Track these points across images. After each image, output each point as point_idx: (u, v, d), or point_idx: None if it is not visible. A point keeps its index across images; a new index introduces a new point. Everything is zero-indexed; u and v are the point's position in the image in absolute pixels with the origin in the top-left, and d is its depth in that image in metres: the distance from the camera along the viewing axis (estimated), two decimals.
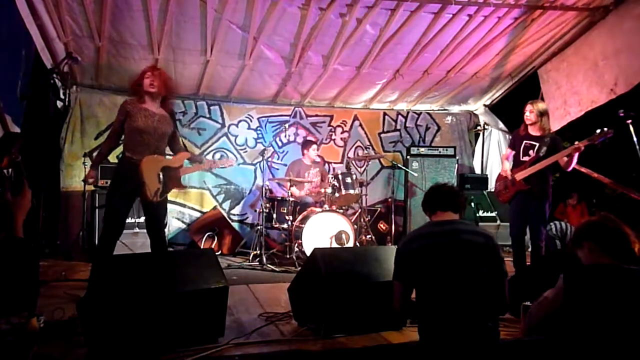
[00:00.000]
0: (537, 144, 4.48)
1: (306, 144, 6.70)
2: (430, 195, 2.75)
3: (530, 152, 4.52)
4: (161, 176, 3.99)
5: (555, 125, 6.34)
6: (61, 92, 6.01)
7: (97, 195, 5.74)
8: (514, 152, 4.76)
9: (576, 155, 4.26)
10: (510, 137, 5.09)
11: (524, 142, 4.57)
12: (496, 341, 2.51)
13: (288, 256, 5.88)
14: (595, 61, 5.81)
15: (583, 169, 4.92)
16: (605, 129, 4.12)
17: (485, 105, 7.98)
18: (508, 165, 4.75)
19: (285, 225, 5.98)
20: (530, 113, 4.52)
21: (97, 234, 5.59)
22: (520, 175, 4.49)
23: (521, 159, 4.58)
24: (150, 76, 3.97)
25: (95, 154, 4.27)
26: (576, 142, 4.27)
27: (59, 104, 6.11)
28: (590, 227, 2.37)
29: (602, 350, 2.11)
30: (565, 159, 4.33)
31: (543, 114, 4.51)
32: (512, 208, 4.65)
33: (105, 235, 4.02)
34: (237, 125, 7.35)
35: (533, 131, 4.55)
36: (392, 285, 2.68)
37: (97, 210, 5.69)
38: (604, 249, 2.27)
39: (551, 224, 7.09)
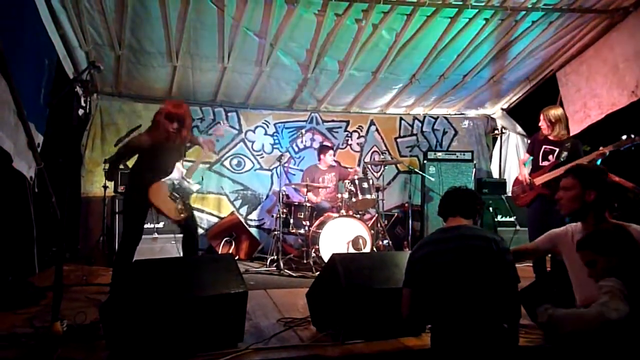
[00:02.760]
0: (557, 149, 4.50)
1: (322, 149, 6.72)
2: (442, 201, 2.77)
3: (550, 157, 4.54)
4: (175, 194, 4.05)
5: (575, 128, 6.25)
6: (82, 99, 6.12)
7: (117, 200, 5.82)
8: (531, 157, 4.77)
9: (599, 160, 4.21)
10: (529, 141, 5.12)
11: (544, 146, 4.59)
12: (508, 347, 2.47)
13: (305, 261, 5.89)
14: (616, 63, 5.73)
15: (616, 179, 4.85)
16: (633, 135, 4.08)
17: (502, 109, 7.91)
18: (526, 169, 4.76)
19: (302, 231, 5.99)
20: (543, 121, 4.58)
21: (117, 239, 5.66)
22: (540, 180, 4.50)
23: (540, 163, 4.60)
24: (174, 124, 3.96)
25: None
26: (601, 148, 4.21)
27: (80, 111, 6.23)
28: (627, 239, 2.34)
29: None
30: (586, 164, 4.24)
31: (555, 121, 4.53)
32: (531, 212, 4.63)
33: (124, 242, 4.07)
34: (254, 131, 7.40)
35: (552, 136, 4.57)
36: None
37: (117, 215, 5.76)
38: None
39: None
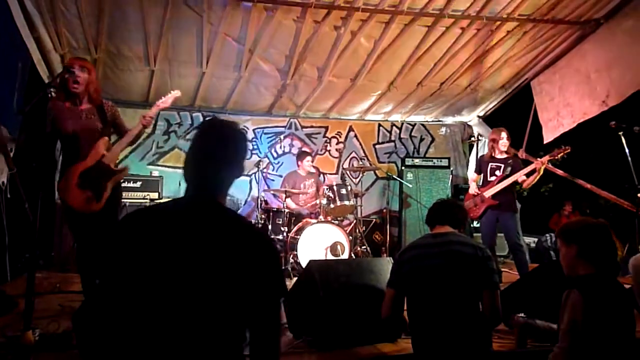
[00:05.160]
0: (502, 165, 5.13)
1: (300, 155, 6.74)
2: (431, 209, 2.86)
3: (497, 172, 5.14)
4: (82, 182, 3.48)
5: (549, 136, 6.41)
6: None
7: None
8: (480, 176, 5.40)
9: (536, 176, 4.93)
10: (476, 163, 5.81)
11: (490, 164, 5.22)
12: (485, 352, 2.54)
13: (283, 267, 5.88)
14: (587, 73, 5.88)
15: (550, 167, 5.22)
16: (563, 146, 4.90)
17: (479, 116, 8.04)
18: (475, 185, 5.36)
19: (280, 237, 5.98)
20: (507, 140, 5.18)
21: None
22: (490, 192, 5.07)
23: (488, 179, 5.19)
24: (73, 74, 3.44)
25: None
26: (538, 159, 5.00)
27: None
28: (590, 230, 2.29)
29: None
30: (525, 177, 4.97)
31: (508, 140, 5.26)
32: (484, 222, 5.21)
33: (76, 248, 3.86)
34: None
35: (498, 154, 5.19)
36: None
37: None
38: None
39: (546, 235, 7.17)
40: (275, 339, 1.51)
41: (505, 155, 5.20)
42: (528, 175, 4.99)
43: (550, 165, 5.39)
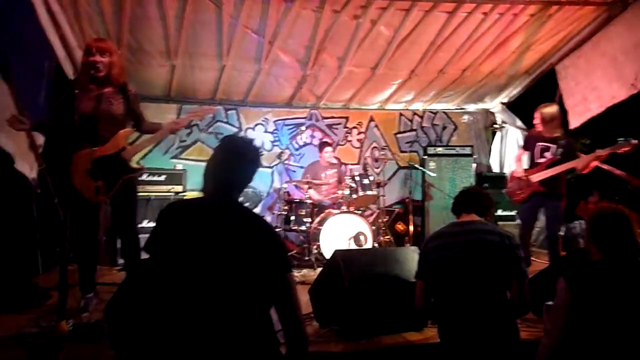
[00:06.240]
0: (553, 146, 4.53)
1: (320, 146, 6.76)
2: (457, 198, 2.85)
3: (546, 154, 4.57)
4: (96, 171, 3.45)
5: (575, 121, 6.26)
6: None
7: None
8: (527, 153, 4.83)
9: (595, 162, 4.31)
10: (525, 137, 5.25)
11: (538, 143, 4.63)
12: (513, 340, 2.52)
13: (307, 258, 5.91)
14: (615, 56, 5.71)
15: (605, 166, 4.89)
16: (631, 139, 4.11)
17: (502, 103, 7.91)
18: (521, 165, 4.83)
19: (303, 228, 6.01)
20: (537, 119, 4.60)
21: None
22: (537, 177, 4.55)
23: (537, 160, 4.64)
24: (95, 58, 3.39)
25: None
26: (597, 150, 4.30)
27: None
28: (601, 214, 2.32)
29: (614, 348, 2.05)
30: (582, 164, 4.36)
31: (549, 119, 4.56)
32: (526, 208, 4.73)
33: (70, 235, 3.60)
34: (253, 129, 7.42)
35: (547, 133, 4.59)
36: (414, 284, 2.74)
37: None
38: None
39: (575, 222, 7.03)
40: (292, 304, 1.84)
41: (555, 135, 4.56)
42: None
43: (603, 165, 4.65)
